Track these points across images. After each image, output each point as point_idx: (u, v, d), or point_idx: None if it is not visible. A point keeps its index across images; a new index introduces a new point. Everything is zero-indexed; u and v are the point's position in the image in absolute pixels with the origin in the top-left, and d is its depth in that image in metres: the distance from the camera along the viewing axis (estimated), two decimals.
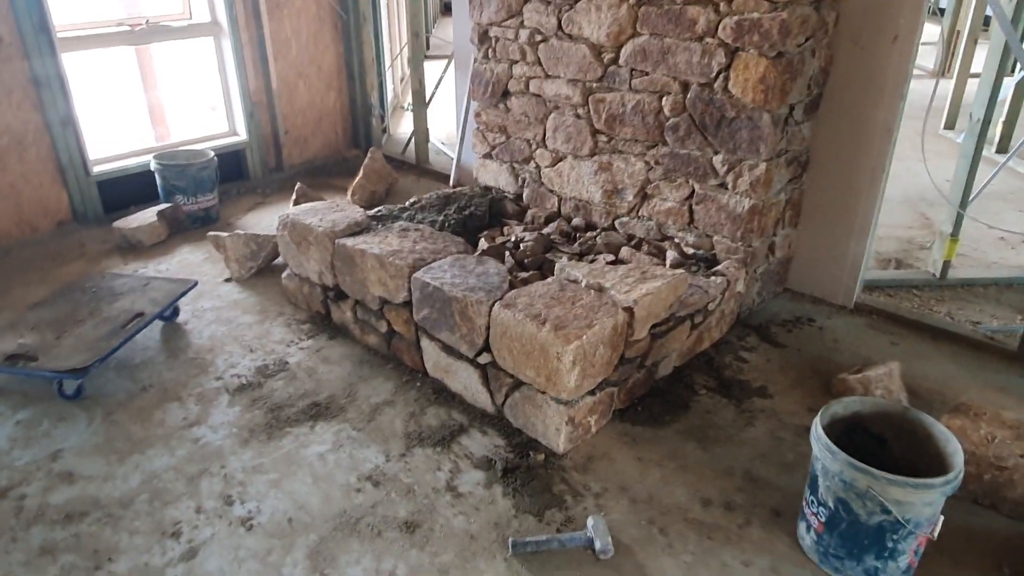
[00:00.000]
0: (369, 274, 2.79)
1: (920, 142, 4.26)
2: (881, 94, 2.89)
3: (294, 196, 4.08)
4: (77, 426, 2.50)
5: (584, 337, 2.19)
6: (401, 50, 6.33)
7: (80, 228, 4.06)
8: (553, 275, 2.68)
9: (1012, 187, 4.66)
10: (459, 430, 2.47)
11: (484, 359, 2.48)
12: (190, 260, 3.74)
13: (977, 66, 4.41)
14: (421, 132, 4.94)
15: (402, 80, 6.69)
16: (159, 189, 4.09)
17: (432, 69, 5.49)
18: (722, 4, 2.71)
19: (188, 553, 1.98)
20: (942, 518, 1.86)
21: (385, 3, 5.71)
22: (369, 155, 4.54)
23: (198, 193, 4.06)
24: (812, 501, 1.93)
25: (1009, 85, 4.90)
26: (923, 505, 1.75)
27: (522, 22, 3.40)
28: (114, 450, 2.39)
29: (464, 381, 2.59)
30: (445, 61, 5.31)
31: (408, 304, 2.69)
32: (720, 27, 2.73)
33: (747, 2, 2.64)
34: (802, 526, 2.01)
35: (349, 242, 2.86)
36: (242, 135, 4.65)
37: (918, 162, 4.45)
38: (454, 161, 4.45)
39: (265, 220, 4.23)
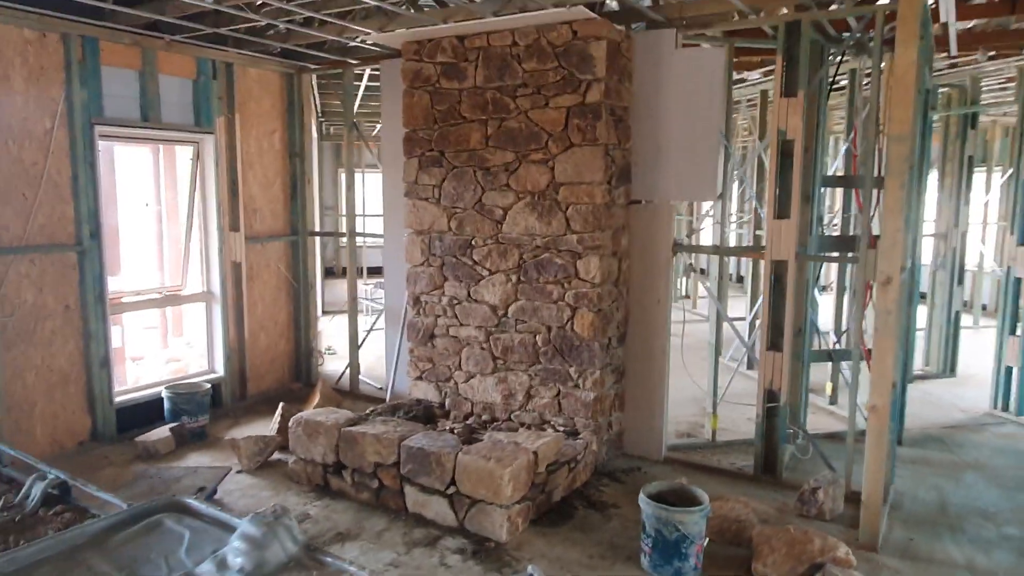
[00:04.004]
0: (367, 447, 4.34)
1: (703, 365, 6.61)
2: (656, 332, 5.10)
3: (279, 412, 5.50)
4: None
5: (514, 464, 3.89)
6: (338, 311, 8.16)
7: (98, 445, 5.20)
8: (484, 439, 4.39)
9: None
10: (438, 537, 3.96)
11: (451, 491, 4.05)
12: (201, 461, 5.00)
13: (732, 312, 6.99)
14: (355, 367, 6.64)
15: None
16: (166, 412, 5.38)
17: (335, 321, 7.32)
18: (566, 284, 4.87)
19: None
20: (707, 539, 3.64)
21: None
22: (320, 384, 6.14)
23: (198, 414, 5.40)
24: (643, 537, 3.64)
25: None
26: (693, 524, 3.52)
27: (443, 292, 5.41)
28: None
29: (436, 509, 4.12)
30: (339, 314, 7.17)
31: (395, 464, 4.25)
32: (566, 296, 4.87)
33: (579, 283, 4.81)
34: (642, 556, 3.68)
35: (352, 429, 4.43)
36: (220, 372, 6.11)
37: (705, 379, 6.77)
38: (389, 384, 6.14)
39: (243, 434, 5.56)
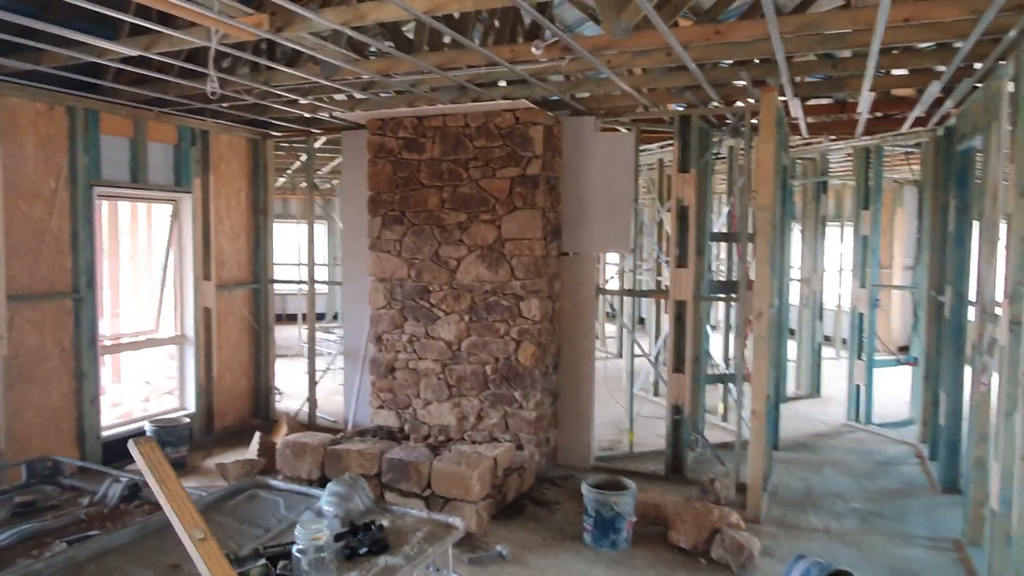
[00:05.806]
0: (351, 461, 5.12)
1: (618, 395, 7.74)
2: (584, 361, 6.18)
3: (257, 439, 6.14)
4: None
5: (480, 468, 4.80)
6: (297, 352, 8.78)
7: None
8: (450, 451, 5.27)
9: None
10: None
11: (427, 493, 4.90)
12: (188, 485, 5.56)
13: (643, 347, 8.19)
14: (313, 402, 7.34)
15: None
16: None
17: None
18: (511, 322, 5.88)
19: None
20: (635, 518, 4.66)
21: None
22: (285, 417, 6.80)
23: (179, 445, 5.97)
24: (585, 518, 4.63)
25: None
26: (625, 504, 4.54)
27: (403, 331, 6.29)
28: None
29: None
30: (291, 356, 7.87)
31: (377, 474, 5.05)
32: (511, 331, 5.87)
33: (522, 321, 5.83)
34: (585, 534, 4.66)
35: (336, 447, 5.20)
36: (191, 408, 6.67)
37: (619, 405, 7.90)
38: (351, 415, 6.88)
39: (216, 463, 6.14)
